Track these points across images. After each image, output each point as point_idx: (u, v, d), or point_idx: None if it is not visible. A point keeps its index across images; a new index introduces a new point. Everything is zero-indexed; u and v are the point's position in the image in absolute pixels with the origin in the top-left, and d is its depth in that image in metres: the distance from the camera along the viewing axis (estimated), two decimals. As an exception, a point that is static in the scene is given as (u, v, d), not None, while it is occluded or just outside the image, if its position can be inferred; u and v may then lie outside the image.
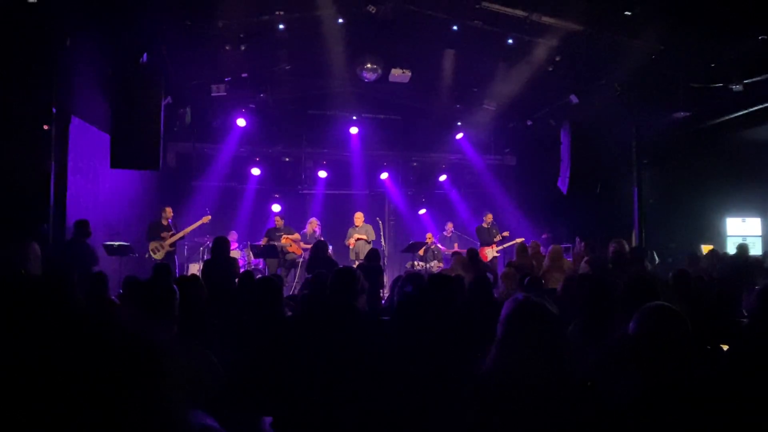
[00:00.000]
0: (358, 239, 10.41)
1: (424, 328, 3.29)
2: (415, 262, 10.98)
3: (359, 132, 12.67)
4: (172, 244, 9.43)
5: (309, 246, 10.27)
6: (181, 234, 9.52)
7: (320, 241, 8.69)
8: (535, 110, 11.80)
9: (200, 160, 12.06)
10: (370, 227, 10.72)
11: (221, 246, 6.43)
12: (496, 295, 5.41)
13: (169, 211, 9.51)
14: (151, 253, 9.22)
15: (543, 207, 12.27)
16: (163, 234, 9.33)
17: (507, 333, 1.98)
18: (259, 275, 10.46)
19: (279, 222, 10.64)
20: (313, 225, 10.96)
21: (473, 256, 8.04)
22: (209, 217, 9.99)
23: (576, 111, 9.97)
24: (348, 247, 10.77)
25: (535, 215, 12.58)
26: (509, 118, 12.49)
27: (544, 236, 11.44)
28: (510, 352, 1.95)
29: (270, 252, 9.82)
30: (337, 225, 12.01)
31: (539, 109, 11.61)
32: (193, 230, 9.90)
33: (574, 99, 9.98)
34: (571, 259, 8.44)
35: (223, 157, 12.09)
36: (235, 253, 11.11)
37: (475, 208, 13.22)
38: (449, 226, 12.46)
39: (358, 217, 10.80)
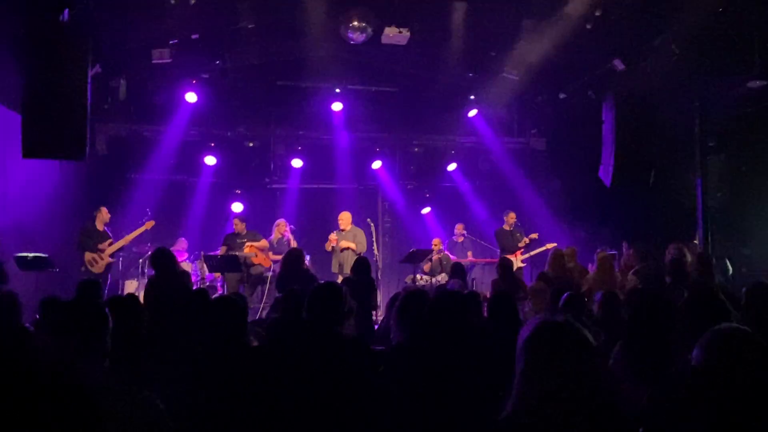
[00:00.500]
0: (345, 248, 10.41)
1: (430, 363, 3.30)
2: (418, 276, 10.99)
3: (344, 109, 12.66)
4: (113, 255, 9.54)
5: (280, 256, 10.26)
6: (121, 243, 9.63)
7: (294, 249, 8.67)
8: (570, 80, 11.82)
9: (139, 147, 12.03)
10: (359, 231, 10.73)
11: (163, 259, 6.43)
12: (522, 316, 5.43)
13: (105, 213, 9.61)
14: (88, 266, 9.30)
15: (580, 203, 12.30)
16: (101, 245, 9.41)
17: (526, 367, 1.98)
18: (217, 294, 10.63)
19: (240, 226, 10.64)
20: (282, 228, 10.96)
21: (505, 267, 8.07)
22: (152, 222, 9.99)
23: (622, 80, 10.00)
24: (330, 253, 10.78)
25: (570, 213, 12.61)
26: (537, 90, 12.50)
27: (599, 252, 11.33)
28: (531, 391, 1.94)
29: (230, 264, 9.80)
30: (317, 228, 12.02)
31: (575, 78, 11.64)
32: (133, 238, 9.92)
33: (619, 65, 10.03)
34: (618, 270, 8.50)
35: (169, 142, 12.06)
36: (184, 266, 11.09)
37: (493, 205, 13.26)
38: (459, 228, 12.48)
39: (344, 219, 10.81)
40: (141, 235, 10.10)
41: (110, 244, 9.50)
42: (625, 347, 3.52)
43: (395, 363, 3.53)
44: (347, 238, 10.58)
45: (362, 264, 7.73)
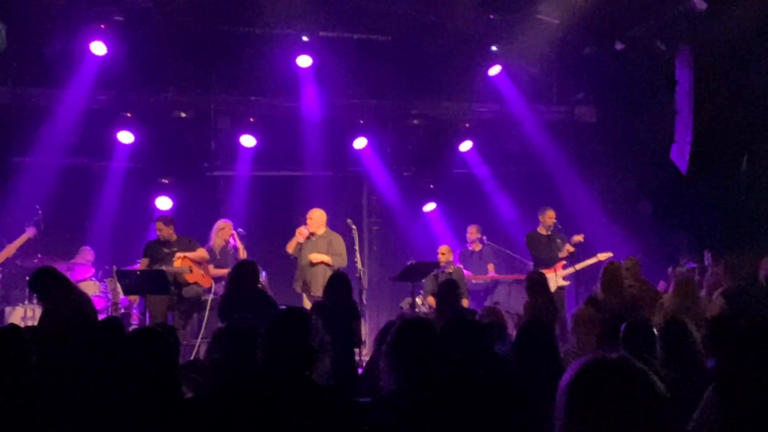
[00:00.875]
0: (316, 263, 10.37)
1: (434, 420, 3.30)
2: (419, 300, 10.98)
3: (314, 65, 12.63)
4: None
5: (224, 271, 10.21)
6: (4, 254, 9.59)
7: (244, 262, 8.63)
8: (630, 25, 11.84)
9: (25, 118, 11.94)
10: (337, 237, 10.69)
11: (46, 282, 6.35)
12: (562, 354, 5.43)
13: None
14: None
15: (645, 197, 12.33)
16: None
17: (568, 423, 1.99)
18: (134, 326, 10.58)
19: (168, 230, 10.55)
20: (226, 233, 10.94)
21: (536, 283, 8.07)
22: (33, 230, 9.96)
23: (702, 26, 10.03)
24: (293, 265, 10.77)
25: (630, 212, 12.63)
26: (583, 39, 12.50)
27: (678, 268, 11.36)
28: None
29: (154, 283, 9.72)
30: (275, 233, 11.97)
31: (636, 22, 11.66)
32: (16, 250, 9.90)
33: (699, 3, 10.05)
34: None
35: (67, 112, 11.97)
36: (89, 286, 11.04)
37: (524, 200, 13.26)
38: (473, 231, 12.49)
39: (315, 219, 10.76)
40: (26, 244, 10.02)
41: None
42: (718, 399, 3.52)
43: (385, 419, 3.52)
44: (320, 247, 10.53)
45: (339, 282, 7.71)
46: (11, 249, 9.74)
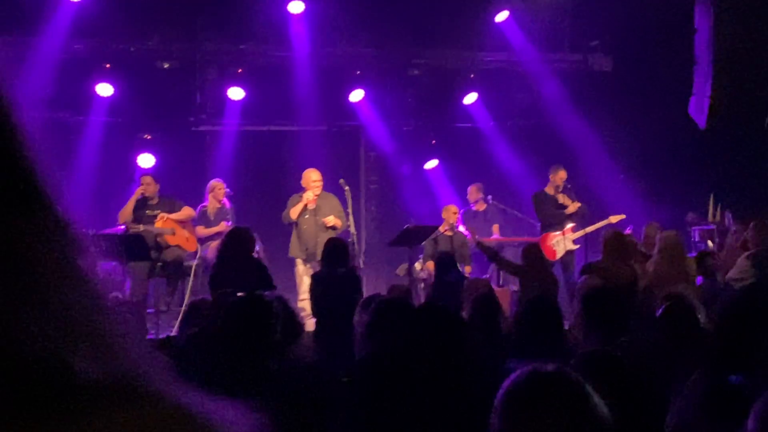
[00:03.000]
0: (328, 226, 10.36)
1: (401, 384, 3.31)
2: (417, 266, 10.98)
3: (307, 10, 12.52)
4: None
5: (212, 233, 10.21)
6: None
7: (238, 229, 8.63)
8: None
9: (-5, 68, 11.88)
10: (333, 199, 10.71)
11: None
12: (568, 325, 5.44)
13: None
14: None
15: (662, 154, 12.26)
16: None
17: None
18: (113, 295, 10.56)
19: (151, 188, 10.55)
20: (218, 193, 10.91)
21: (532, 255, 8.07)
22: None
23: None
24: (288, 231, 10.76)
25: (646, 170, 12.57)
26: (598, -19, 12.39)
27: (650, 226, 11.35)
28: None
29: (134, 248, 9.74)
30: (266, 192, 11.95)
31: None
32: None
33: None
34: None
35: (41, 61, 11.88)
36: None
37: (532, 156, 13.21)
38: (474, 191, 12.49)
39: (310, 179, 10.76)
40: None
41: None
42: (708, 379, 3.48)
43: (358, 385, 3.54)
44: (325, 210, 10.56)
45: (338, 248, 7.70)
46: None
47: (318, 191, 10.70)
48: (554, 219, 11.15)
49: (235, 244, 7.92)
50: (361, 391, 3.50)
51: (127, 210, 10.20)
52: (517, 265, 9.28)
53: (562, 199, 11.13)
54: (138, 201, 10.52)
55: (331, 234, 10.15)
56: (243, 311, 3.29)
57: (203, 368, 3.48)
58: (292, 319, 3.32)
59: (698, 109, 9.70)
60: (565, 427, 1.94)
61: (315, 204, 10.64)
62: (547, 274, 8.56)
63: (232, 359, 3.18)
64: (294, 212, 10.65)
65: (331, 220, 10.49)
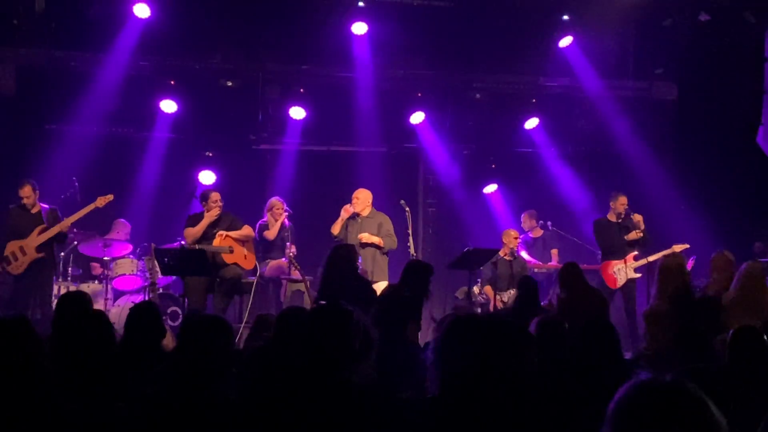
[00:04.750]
0: (366, 244, 10.34)
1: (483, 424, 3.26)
2: (476, 290, 10.94)
3: (370, 32, 12.59)
4: (44, 247, 9.94)
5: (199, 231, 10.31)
6: (58, 227, 9.98)
7: (342, 245, 8.84)
8: (717, -7, 11.63)
9: (64, 84, 12.07)
10: (386, 219, 10.66)
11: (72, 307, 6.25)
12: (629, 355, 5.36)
13: (28, 190, 10.00)
14: (5, 264, 9.86)
15: (727, 183, 12.11)
16: (38, 229, 9.89)
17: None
18: (172, 310, 10.73)
19: (210, 203, 10.60)
20: (278, 213, 10.95)
21: (570, 275, 7.99)
22: (109, 197, 10.32)
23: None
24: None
25: (710, 200, 12.42)
26: (664, 9, 12.31)
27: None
28: None
29: (194, 263, 9.81)
30: (325, 212, 11.99)
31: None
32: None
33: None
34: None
35: (108, 77, 12.10)
36: (126, 264, 11.17)
37: (593, 183, 13.12)
38: (525, 218, 12.58)
39: (361, 199, 10.73)
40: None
41: (43, 231, 9.86)
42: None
43: (429, 423, 3.50)
44: (368, 228, 10.51)
45: (417, 269, 7.72)
46: (75, 217, 10.03)
47: (357, 207, 10.69)
48: (616, 246, 11.04)
49: (339, 259, 8.00)
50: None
51: (198, 231, 10.30)
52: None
53: (636, 219, 10.98)
54: (199, 216, 10.56)
55: (373, 253, 10.19)
56: (325, 319, 3.29)
57: (280, 378, 3.50)
58: (367, 331, 3.32)
59: (767, 138, 9.57)
60: None
61: (356, 220, 10.64)
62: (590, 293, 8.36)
63: (311, 369, 3.18)
64: (335, 227, 10.66)
65: (365, 236, 10.41)
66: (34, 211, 9.97)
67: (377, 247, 10.37)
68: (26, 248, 9.79)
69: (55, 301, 10.28)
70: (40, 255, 9.81)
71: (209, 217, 10.27)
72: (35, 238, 9.79)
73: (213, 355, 3.69)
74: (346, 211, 10.59)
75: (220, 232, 10.40)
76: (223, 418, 3.51)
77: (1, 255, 9.81)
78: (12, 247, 9.79)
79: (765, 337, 4.82)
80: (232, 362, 3.87)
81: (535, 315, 7.49)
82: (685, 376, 2.80)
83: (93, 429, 3.00)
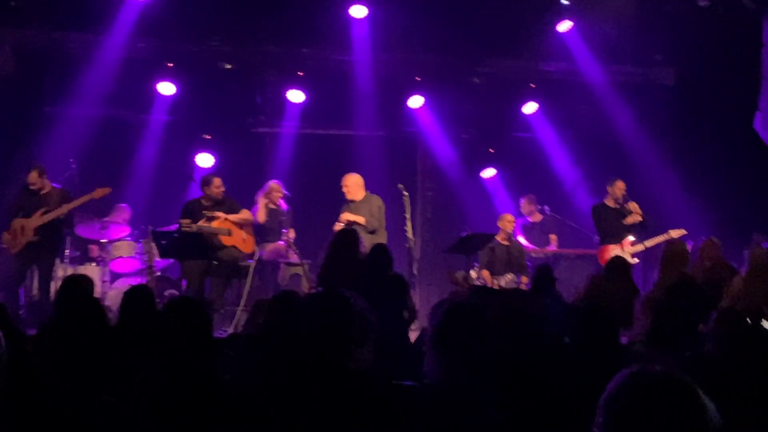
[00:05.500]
0: (350, 223, 10.25)
1: (475, 417, 3.27)
2: (473, 273, 10.94)
3: (369, 15, 12.55)
4: (45, 229, 9.88)
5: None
6: (56, 213, 9.92)
7: (346, 230, 8.78)
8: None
9: (61, 65, 12.09)
10: (376, 200, 10.66)
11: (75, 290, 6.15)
12: (625, 340, 5.35)
13: (34, 176, 9.96)
14: (8, 237, 9.85)
15: (724, 169, 12.10)
16: (40, 211, 9.85)
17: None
18: (169, 292, 10.70)
19: (214, 188, 10.58)
20: (276, 195, 10.95)
21: (617, 267, 7.97)
22: (106, 190, 10.29)
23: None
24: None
25: (708, 185, 12.42)
26: (664, -8, 12.28)
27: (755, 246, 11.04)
28: None
29: (192, 246, 9.84)
30: (323, 195, 11.99)
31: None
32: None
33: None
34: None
35: (106, 59, 12.08)
36: (123, 246, 11.16)
37: (592, 168, 13.14)
38: (524, 203, 12.56)
39: (351, 185, 10.75)
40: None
41: (45, 213, 9.84)
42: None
43: (426, 409, 3.50)
44: (361, 212, 10.49)
45: (379, 253, 7.69)
46: (75, 204, 10.02)
47: (349, 196, 10.71)
48: (614, 231, 11.03)
49: (343, 244, 7.99)
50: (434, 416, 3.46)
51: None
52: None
53: (632, 207, 10.99)
54: (198, 201, 10.56)
55: (369, 238, 10.11)
56: (323, 305, 3.27)
57: (276, 363, 3.50)
58: (366, 316, 3.29)
59: (764, 125, 9.56)
60: (676, 430, 1.90)
61: (349, 206, 10.62)
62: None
63: (308, 355, 3.17)
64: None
65: (345, 216, 10.42)
66: (42, 192, 9.99)
67: (362, 225, 10.31)
68: (26, 228, 9.79)
69: (53, 284, 10.37)
70: (36, 238, 9.79)
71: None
72: (35, 220, 9.79)
73: (190, 336, 3.69)
74: (341, 222, 10.46)
75: (219, 216, 10.39)
76: (213, 400, 3.50)
77: (9, 229, 9.84)
78: (16, 224, 9.81)
79: (748, 320, 4.82)
80: (215, 343, 3.86)
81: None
82: (677, 365, 2.79)
83: (84, 417, 2.99)
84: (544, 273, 8.15)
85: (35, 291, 10.38)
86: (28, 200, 9.95)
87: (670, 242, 8.45)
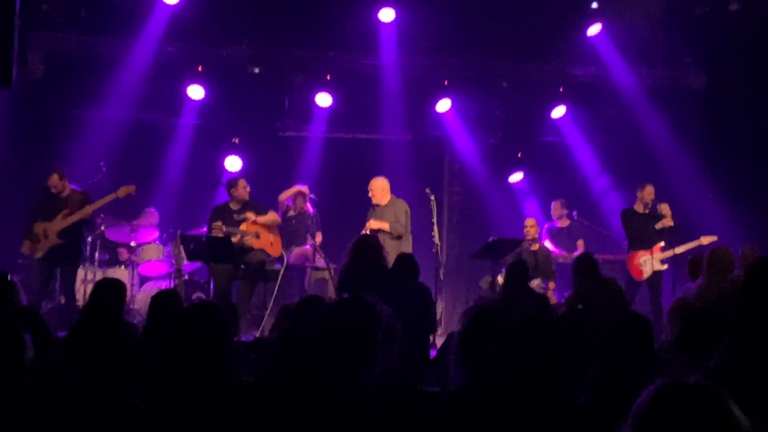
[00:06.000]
0: (375, 231, 10.17)
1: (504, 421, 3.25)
2: (499, 279, 10.90)
3: (397, 19, 12.56)
4: (68, 232, 9.81)
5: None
6: (79, 215, 9.85)
7: (367, 235, 8.76)
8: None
9: (92, 69, 12.14)
10: (401, 205, 10.58)
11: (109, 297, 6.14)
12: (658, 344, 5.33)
13: (55, 179, 9.86)
14: (31, 242, 9.78)
15: (756, 174, 12.01)
16: (62, 214, 9.75)
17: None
18: (197, 296, 10.76)
19: (240, 189, 10.59)
20: (302, 197, 10.96)
21: (586, 265, 7.93)
22: (131, 188, 10.17)
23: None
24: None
25: (739, 191, 12.31)
26: (695, -3, 12.21)
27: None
28: None
29: (220, 250, 9.86)
30: (350, 199, 12.00)
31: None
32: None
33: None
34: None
35: (136, 63, 12.15)
36: (152, 249, 11.23)
37: (620, 173, 13.07)
38: (557, 207, 12.46)
39: (378, 189, 10.64)
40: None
41: (67, 216, 9.78)
42: None
43: (454, 416, 3.49)
44: (386, 217, 10.42)
45: (405, 262, 7.68)
46: (90, 209, 9.96)
47: (375, 199, 10.63)
48: (643, 237, 10.93)
49: (364, 249, 7.99)
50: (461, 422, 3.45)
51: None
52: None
53: (663, 209, 10.87)
54: (226, 205, 10.56)
55: (391, 242, 10.07)
56: (348, 311, 3.28)
57: (300, 367, 3.51)
58: (391, 325, 3.30)
59: (797, 129, 9.46)
60: None
61: (375, 210, 10.58)
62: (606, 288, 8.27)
63: (333, 358, 3.18)
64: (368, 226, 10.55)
65: (372, 223, 10.33)
66: (62, 195, 9.92)
67: (387, 232, 10.28)
68: (49, 232, 9.74)
69: (81, 286, 10.41)
70: (60, 241, 9.74)
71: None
72: (59, 222, 9.75)
73: (210, 339, 3.70)
74: (368, 228, 10.38)
75: (249, 219, 10.39)
76: (232, 402, 3.53)
77: (30, 234, 9.77)
78: (38, 228, 9.74)
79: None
80: (231, 345, 3.87)
81: (525, 300, 7.49)
82: (707, 376, 2.76)
83: (109, 419, 3.02)
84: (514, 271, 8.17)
85: (58, 294, 10.37)
86: (48, 203, 9.90)
87: (715, 248, 8.26)
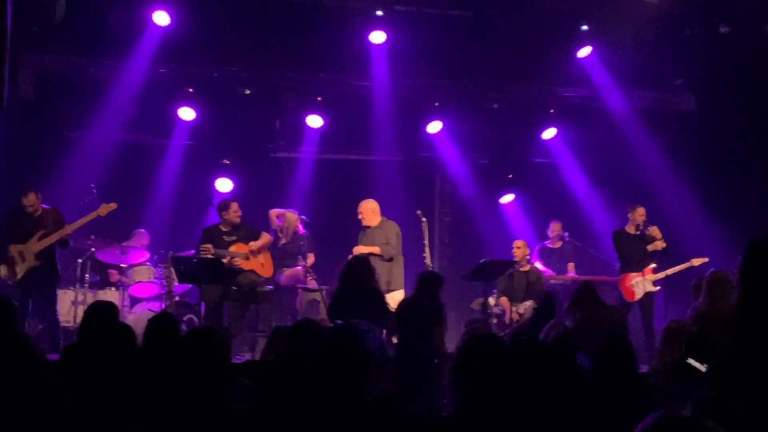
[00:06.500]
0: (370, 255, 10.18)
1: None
2: (491, 301, 10.92)
3: (388, 41, 12.60)
4: (45, 253, 9.55)
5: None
6: (58, 234, 9.62)
7: (359, 257, 8.75)
8: (736, 6, 11.57)
9: (83, 90, 12.13)
10: (392, 227, 10.64)
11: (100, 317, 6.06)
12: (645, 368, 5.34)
13: (32, 198, 9.59)
14: (3, 270, 9.46)
15: (746, 196, 12.05)
16: (38, 234, 9.47)
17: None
18: (188, 317, 10.73)
19: (232, 213, 10.58)
20: (292, 221, 10.96)
21: (584, 294, 7.96)
22: (112, 206, 10.04)
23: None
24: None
25: (732, 213, 12.36)
26: (683, 20, 12.27)
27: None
28: None
29: (210, 272, 9.83)
30: (341, 220, 12.00)
31: (742, 3, 11.40)
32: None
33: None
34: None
35: (127, 84, 12.14)
36: (143, 271, 11.21)
37: (611, 194, 13.09)
38: (556, 228, 12.43)
39: (367, 211, 10.72)
40: (85, 223, 10.13)
41: (43, 236, 9.51)
42: None
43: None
44: (377, 239, 10.46)
45: (430, 280, 7.70)
46: (70, 228, 9.78)
47: (365, 222, 10.68)
48: (635, 259, 10.95)
49: (355, 272, 7.98)
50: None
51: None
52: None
53: (653, 231, 10.91)
54: (216, 227, 10.51)
55: (386, 266, 10.10)
56: (341, 338, 3.30)
57: (294, 392, 3.51)
58: (383, 348, 3.32)
59: (787, 151, 9.52)
60: None
61: (365, 233, 10.65)
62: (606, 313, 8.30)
63: (326, 386, 3.18)
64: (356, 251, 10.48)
65: (358, 249, 10.32)
66: (36, 214, 9.62)
67: (378, 256, 10.30)
68: (26, 253, 9.46)
69: (71, 308, 10.35)
70: (39, 263, 9.47)
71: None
72: (35, 244, 9.48)
73: (204, 364, 3.71)
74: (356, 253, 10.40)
75: (239, 243, 10.36)
76: (225, 428, 3.51)
77: (5, 258, 9.45)
78: (13, 250, 9.43)
79: None
80: (227, 372, 3.87)
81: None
82: (699, 405, 2.78)
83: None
84: (546, 302, 8.16)
85: (31, 320, 9.91)
86: (20, 224, 9.58)
87: (715, 271, 8.27)
